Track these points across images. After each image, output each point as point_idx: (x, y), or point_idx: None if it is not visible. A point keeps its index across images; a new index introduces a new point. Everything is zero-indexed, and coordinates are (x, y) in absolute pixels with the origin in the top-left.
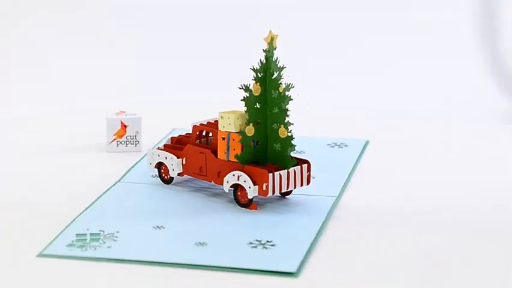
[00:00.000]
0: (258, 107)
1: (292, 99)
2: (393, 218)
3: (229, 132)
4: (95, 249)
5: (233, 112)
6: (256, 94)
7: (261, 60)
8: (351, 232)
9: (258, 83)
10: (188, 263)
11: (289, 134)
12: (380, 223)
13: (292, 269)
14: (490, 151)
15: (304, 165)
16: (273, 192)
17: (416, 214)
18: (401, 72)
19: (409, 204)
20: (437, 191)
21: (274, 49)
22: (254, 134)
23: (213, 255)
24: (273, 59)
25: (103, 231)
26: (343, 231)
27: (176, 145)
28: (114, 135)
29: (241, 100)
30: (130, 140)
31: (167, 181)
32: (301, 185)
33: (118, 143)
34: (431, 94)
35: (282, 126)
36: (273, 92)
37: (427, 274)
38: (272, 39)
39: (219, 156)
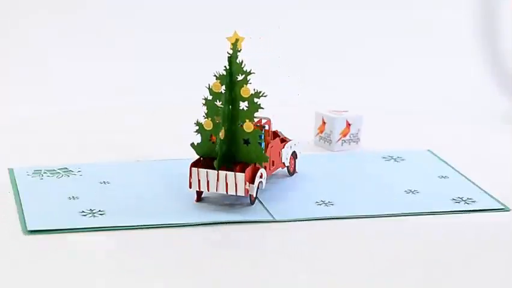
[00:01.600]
0: (218, 104)
1: (262, 108)
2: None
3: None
4: (32, 177)
5: None
6: (216, 91)
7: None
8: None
9: (219, 81)
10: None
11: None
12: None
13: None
14: (490, 151)
15: (240, 175)
16: (198, 187)
17: (416, 214)
18: (401, 72)
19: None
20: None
21: (239, 51)
22: (213, 129)
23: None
24: (238, 61)
25: (78, 171)
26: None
27: None
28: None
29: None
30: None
31: None
32: (236, 193)
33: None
34: (431, 94)
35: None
36: (236, 94)
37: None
38: (237, 40)
39: None
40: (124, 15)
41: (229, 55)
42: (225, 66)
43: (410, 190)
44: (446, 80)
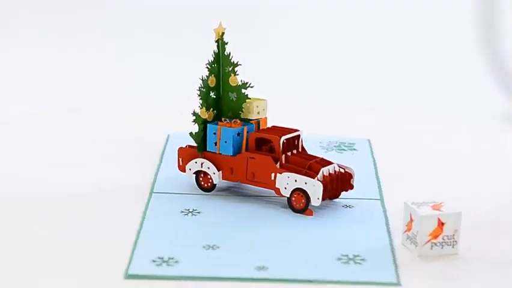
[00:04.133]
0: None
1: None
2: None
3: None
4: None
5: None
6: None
7: (214, 52)
8: None
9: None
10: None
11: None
12: None
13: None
14: (490, 151)
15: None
16: None
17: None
18: (401, 72)
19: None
20: (437, 190)
21: (226, 44)
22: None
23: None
24: (226, 54)
25: None
26: None
27: None
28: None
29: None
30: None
31: None
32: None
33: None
34: (431, 94)
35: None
36: (225, 84)
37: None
38: (223, 33)
39: None
40: (125, 15)
41: (217, 48)
42: (213, 57)
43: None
44: (446, 80)
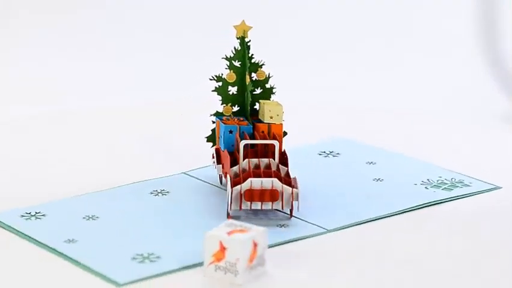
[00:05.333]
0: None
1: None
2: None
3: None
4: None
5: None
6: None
7: (235, 48)
8: None
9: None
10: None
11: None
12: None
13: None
14: (490, 151)
15: None
16: None
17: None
18: (401, 72)
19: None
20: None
21: (249, 41)
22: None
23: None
24: (248, 54)
25: None
26: None
27: None
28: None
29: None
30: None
31: None
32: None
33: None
34: (431, 94)
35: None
36: (252, 77)
37: None
38: (244, 31)
39: None
40: (124, 15)
41: (240, 46)
42: (234, 54)
43: None
44: (446, 80)
